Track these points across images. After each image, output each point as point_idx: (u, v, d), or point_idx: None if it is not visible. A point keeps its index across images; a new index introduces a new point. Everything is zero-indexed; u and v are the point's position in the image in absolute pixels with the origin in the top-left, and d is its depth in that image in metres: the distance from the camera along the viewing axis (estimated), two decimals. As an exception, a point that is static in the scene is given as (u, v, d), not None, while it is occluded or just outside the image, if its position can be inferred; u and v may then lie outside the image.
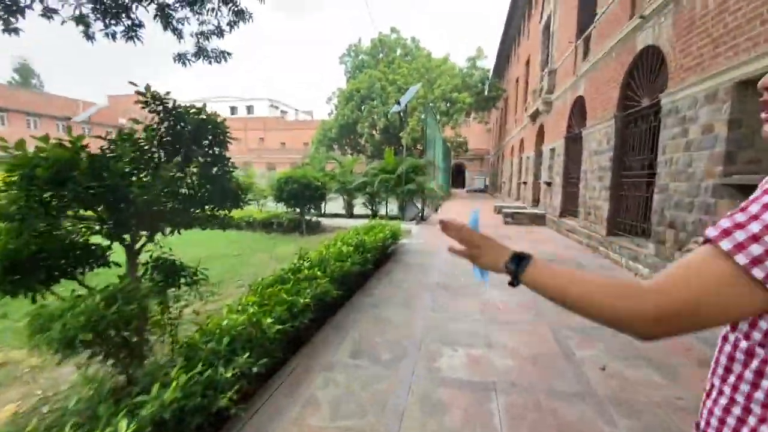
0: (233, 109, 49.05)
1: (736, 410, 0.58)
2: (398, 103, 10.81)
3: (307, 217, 9.91)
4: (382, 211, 12.28)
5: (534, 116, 13.23)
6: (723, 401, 0.60)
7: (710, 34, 3.93)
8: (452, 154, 28.86)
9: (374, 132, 25.95)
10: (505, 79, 24.44)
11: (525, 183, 15.09)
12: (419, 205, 11.64)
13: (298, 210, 9.46)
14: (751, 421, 0.56)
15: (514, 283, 0.69)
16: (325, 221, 10.66)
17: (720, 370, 0.62)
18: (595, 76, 7.34)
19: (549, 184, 10.90)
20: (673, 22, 4.62)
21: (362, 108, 24.25)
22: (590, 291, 0.59)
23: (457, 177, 39.56)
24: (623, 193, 6.20)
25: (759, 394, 0.56)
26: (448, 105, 22.97)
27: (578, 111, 8.61)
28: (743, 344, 0.57)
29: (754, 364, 0.56)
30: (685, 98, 4.34)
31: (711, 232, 0.52)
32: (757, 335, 0.55)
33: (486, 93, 24.74)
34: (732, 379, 0.59)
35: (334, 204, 12.92)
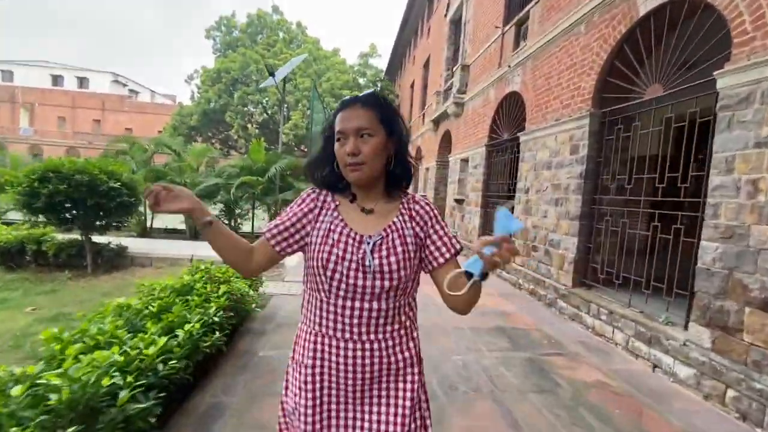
0: (56, 79, 37.44)
1: None
2: (272, 74, 7.52)
3: (102, 240, 5.81)
4: (247, 228, 8.73)
5: (438, 121, 11.44)
6: None
7: None
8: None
9: (248, 125, 21.61)
10: (397, 84, 23.08)
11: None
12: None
13: (78, 229, 5.34)
14: None
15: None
16: (142, 246, 6.61)
17: None
18: (543, 64, 5.44)
19: (460, 201, 9.00)
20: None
21: (233, 93, 19.78)
22: None
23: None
24: (601, 226, 4.26)
25: None
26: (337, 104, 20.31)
27: (510, 111, 6.75)
28: None
29: None
30: None
31: None
32: None
33: (378, 96, 22.96)
34: None
35: (175, 216, 8.79)
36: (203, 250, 6.51)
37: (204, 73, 21.07)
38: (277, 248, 0.97)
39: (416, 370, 0.97)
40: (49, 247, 5.32)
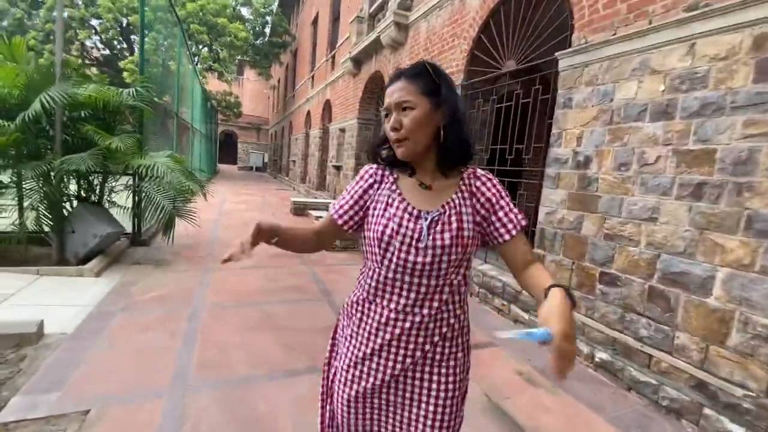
0: None
1: None
2: None
3: None
4: None
5: (360, 60, 8.10)
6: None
7: None
8: (217, 117, 20.79)
9: (80, 57, 14.97)
10: (294, 24, 18.49)
11: (338, 168, 9.99)
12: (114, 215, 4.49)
13: None
14: None
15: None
16: None
17: None
18: None
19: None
20: None
21: (39, 3, 12.90)
22: None
23: (227, 149, 31.05)
24: None
25: None
26: (211, 37, 14.99)
27: (530, 21, 3.91)
28: None
29: None
30: None
31: None
32: None
33: (268, 36, 18.08)
34: None
35: None
36: None
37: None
38: (345, 227, 1.01)
39: (459, 354, 0.97)
40: None
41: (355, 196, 0.99)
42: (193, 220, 4.43)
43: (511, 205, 0.95)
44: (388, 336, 0.93)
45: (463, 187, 0.95)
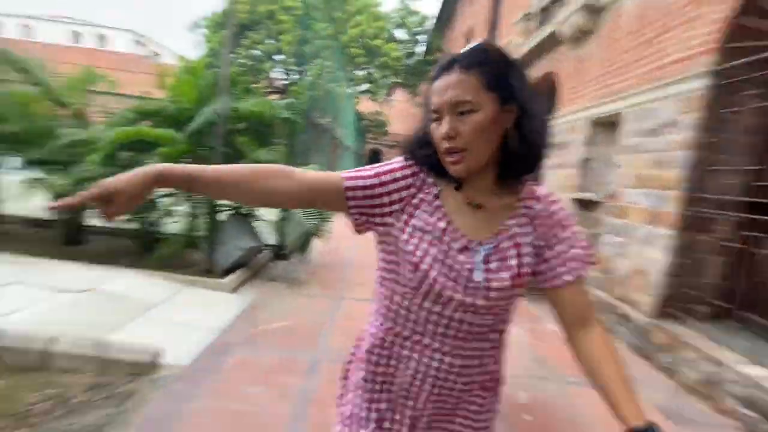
0: (76, 36, 35.10)
1: None
2: None
3: None
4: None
5: (527, 62, 6.89)
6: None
7: None
8: (366, 135, 22.03)
9: (267, 87, 17.80)
10: (448, 40, 18.25)
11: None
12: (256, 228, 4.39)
13: None
14: None
15: None
16: None
17: None
18: None
19: (590, 205, 4.56)
20: None
21: (240, 41, 15.82)
22: None
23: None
24: None
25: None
26: (367, 59, 15.83)
27: None
28: None
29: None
30: None
31: None
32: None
33: (421, 54, 18.23)
34: None
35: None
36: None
37: (211, 17, 17.17)
38: (350, 202, 0.72)
39: (492, 395, 0.82)
40: None
41: (383, 179, 0.71)
42: (329, 239, 4.02)
43: (578, 237, 0.74)
44: (416, 388, 0.76)
45: (522, 209, 0.73)
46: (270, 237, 4.67)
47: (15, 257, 3.54)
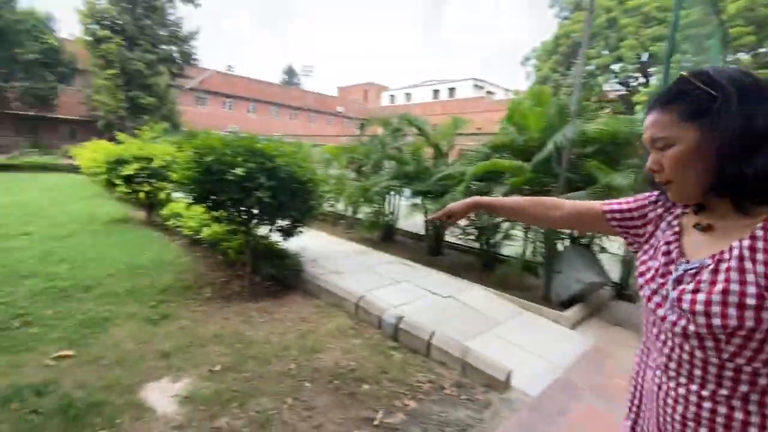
0: (435, 93, 46.00)
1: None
2: None
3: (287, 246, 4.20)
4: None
5: None
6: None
7: None
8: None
9: (598, 101, 16.57)
10: None
11: None
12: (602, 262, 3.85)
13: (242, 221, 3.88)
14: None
15: None
16: (328, 265, 4.63)
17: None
18: None
19: None
20: None
21: (570, 62, 15.41)
22: None
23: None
24: None
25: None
26: (759, 37, 11.26)
27: None
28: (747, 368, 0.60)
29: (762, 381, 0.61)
30: None
31: None
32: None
33: None
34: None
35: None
36: (389, 289, 3.75)
37: (541, 47, 17.81)
38: (608, 215, 0.89)
39: None
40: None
41: (639, 202, 0.86)
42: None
43: None
44: (651, 402, 0.75)
45: (761, 233, 0.62)
46: (612, 272, 4.07)
47: (405, 261, 4.87)
